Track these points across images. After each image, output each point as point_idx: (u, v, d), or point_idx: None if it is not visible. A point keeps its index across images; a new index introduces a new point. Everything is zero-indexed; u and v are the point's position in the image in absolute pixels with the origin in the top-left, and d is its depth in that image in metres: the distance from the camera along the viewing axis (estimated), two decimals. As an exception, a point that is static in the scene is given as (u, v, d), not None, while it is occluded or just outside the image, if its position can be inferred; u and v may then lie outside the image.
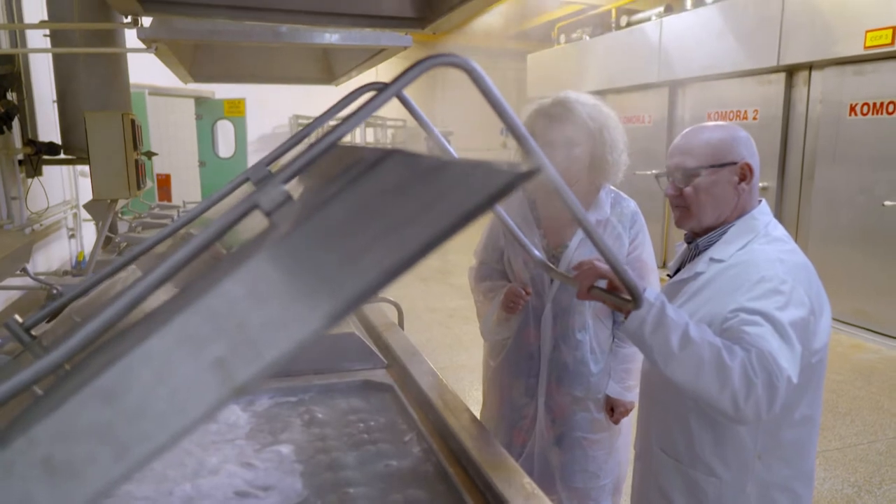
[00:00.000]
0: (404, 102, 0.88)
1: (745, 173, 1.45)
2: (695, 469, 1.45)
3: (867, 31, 4.94)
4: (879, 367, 4.67)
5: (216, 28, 2.64)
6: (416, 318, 5.98)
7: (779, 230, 1.50)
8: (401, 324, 1.84)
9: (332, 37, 2.93)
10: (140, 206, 4.26)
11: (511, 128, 0.62)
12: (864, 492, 3.04)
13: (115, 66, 3.17)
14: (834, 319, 5.59)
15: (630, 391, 2.02)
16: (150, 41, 2.62)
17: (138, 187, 2.47)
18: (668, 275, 1.65)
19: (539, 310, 1.98)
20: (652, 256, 2.01)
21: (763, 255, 1.40)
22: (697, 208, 1.48)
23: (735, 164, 1.45)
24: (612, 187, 1.99)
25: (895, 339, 5.11)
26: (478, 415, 1.51)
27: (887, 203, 5.02)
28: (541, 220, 1.99)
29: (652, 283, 1.98)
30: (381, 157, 0.51)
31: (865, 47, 4.97)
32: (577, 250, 1.91)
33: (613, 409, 2.04)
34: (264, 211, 0.54)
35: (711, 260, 1.47)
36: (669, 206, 1.61)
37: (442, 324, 5.85)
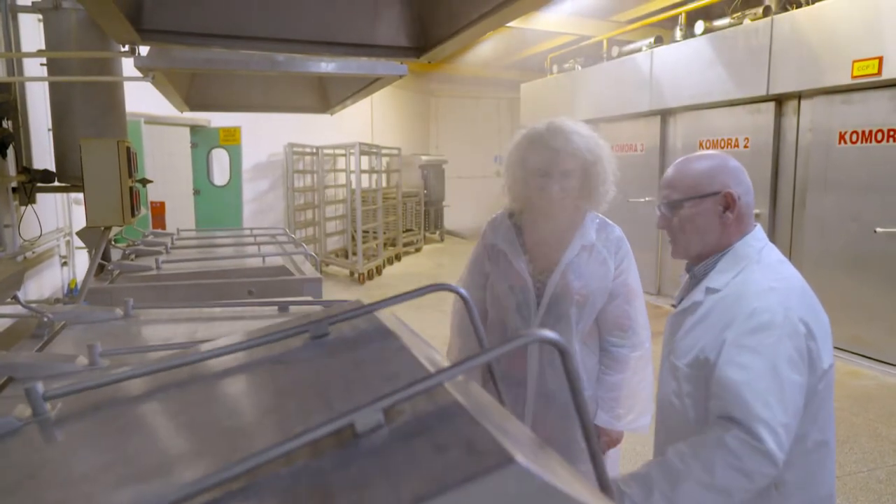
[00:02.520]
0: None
1: (729, 202, 1.46)
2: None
3: (854, 61, 5.02)
4: (876, 394, 4.65)
5: (213, 57, 2.67)
6: (410, 345, 5.94)
7: (773, 255, 1.50)
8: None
9: (328, 66, 2.96)
10: (134, 234, 4.24)
11: (581, 412, 0.65)
12: (865, 521, 3.00)
13: (112, 95, 3.18)
14: (829, 346, 5.56)
15: (619, 420, 1.99)
16: (147, 70, 2.64)
17: (132, 214, 2.46)
18: (672, 305, 1.65)
19: None
20: (638, 281, 2.03)
21: (755, 285, 1.40)
22: (683, 239, 1.52)
23: (718, 193, 1.46)
24: (596, 213, 2.01)
25: (892, 366, 5.10)
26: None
27: (879, 230, 5.06)
28: (526, 246, 2.00)
29: (638, 308, 2.00)
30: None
31: (853, 77, 5.06)
32: (563, 275, 1.92)
33: (600, 439, 2.00)
34: (357, 432, 0.57)
35: (708, 290, 1.47)
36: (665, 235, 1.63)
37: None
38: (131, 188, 2.45)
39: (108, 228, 2.56)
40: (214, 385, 0.97)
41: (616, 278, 1.97)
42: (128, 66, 2.75)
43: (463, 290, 0.88)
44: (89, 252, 2.82)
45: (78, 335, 1.80)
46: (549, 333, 0.60)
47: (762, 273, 1.43)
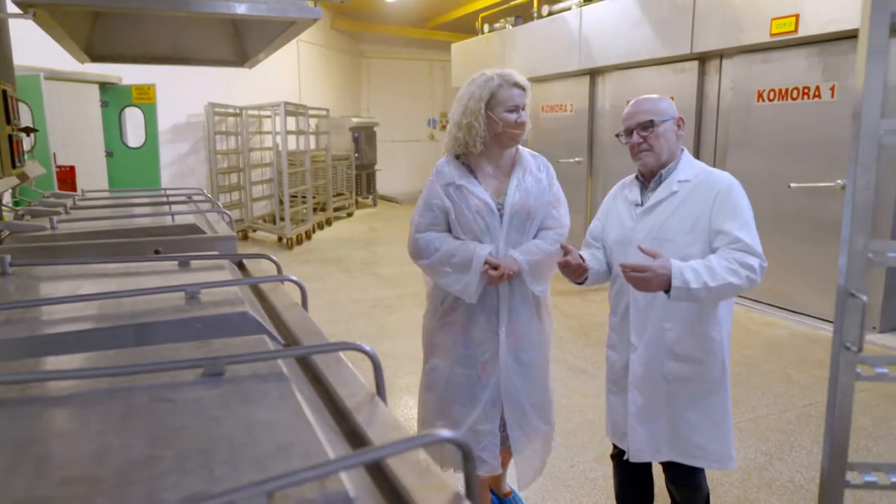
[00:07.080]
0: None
1: (680, 124, 2.17)
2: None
3: (773, 19, 5.13)
4: (788, 342, 4.88)
5: (103, -8, 2.42)
6: (339, 309, 5.83)
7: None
8: (304, 304, 1.72)
9: (238, 7, 2.75)
10: (33, 196, 3.92)
11: None
12: (775, 459, 3.14)
13: (-7, 38, 2.87)
14: (748, 299, 5.79)
15: (527, 264, 2.29)
16: (26, 5, 2.37)
17: (13, 166, 2.23)
18: (635, 203, 2.17)
19: (494, 250, 2.30)
20: (562, 192, 2.46)
21: (717, 171, 2.15)
22: (658, 149, 2.11)
23: (675, 117, 2.15)
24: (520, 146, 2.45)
25: (804, 315, 5.36)
26: (388, 394, 1.39)
27: (793, 185, 5.25)
28: (479, 179, 2.35)
29: (562, 212, 2.43)
30: None
31: (771, 35, 5.17)
32: (515, 195, 2.31)
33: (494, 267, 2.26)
34: None
35: (680, 182, 2.10)
36: (631, 156, 2.16)
37: (365, 314, 5.72)
38: (10, 136, 2.21)
39: (-11, 183, 2.31)
40: (86, 410, 0.86)
41: (549, 191, 2.41)
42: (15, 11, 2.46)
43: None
44: (-28, 210, 2.56)
45: (-56, 295, 1.61)
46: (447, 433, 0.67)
47: (709, 166, 2.17)
